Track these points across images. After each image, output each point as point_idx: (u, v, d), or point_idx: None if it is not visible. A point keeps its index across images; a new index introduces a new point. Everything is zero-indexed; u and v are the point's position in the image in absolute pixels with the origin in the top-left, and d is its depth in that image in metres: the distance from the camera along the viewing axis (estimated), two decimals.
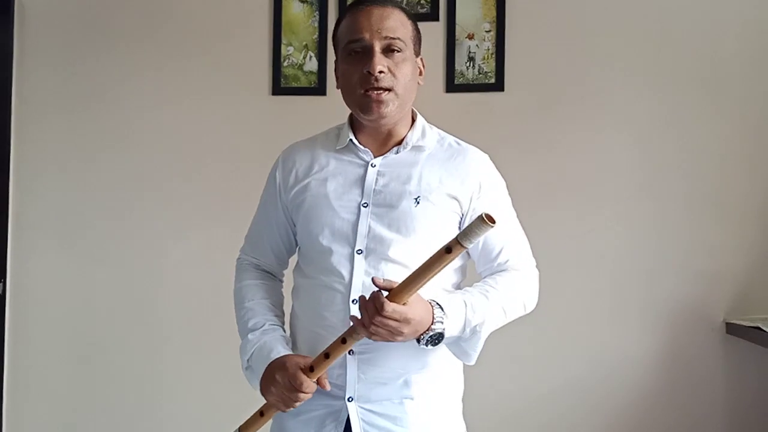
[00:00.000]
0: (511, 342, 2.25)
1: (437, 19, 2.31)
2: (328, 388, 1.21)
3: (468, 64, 2.31)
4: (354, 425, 1.22)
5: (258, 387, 1.27)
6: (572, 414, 2.22)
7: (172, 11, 2.45)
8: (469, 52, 2.31)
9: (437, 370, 1.27)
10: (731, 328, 2.13)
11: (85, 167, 2.46)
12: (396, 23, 1.26)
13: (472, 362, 1.25)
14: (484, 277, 1.33)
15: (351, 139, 1.31)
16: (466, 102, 2.30)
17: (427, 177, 1.27)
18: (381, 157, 1.30)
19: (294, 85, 2.37)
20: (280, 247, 1.41)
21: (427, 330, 1.14)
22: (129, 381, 2.42)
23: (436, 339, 1.16)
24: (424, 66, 1.35)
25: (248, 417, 1.29)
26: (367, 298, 1.12)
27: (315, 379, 1.19)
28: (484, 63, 2.30)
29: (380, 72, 1.22)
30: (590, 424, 2.21)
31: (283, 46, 2.37)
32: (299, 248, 1.38)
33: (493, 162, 2.39)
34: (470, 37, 2.31)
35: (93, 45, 2.48)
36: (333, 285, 1.24)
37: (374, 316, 1.09)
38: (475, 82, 2.30)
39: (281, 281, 1.47)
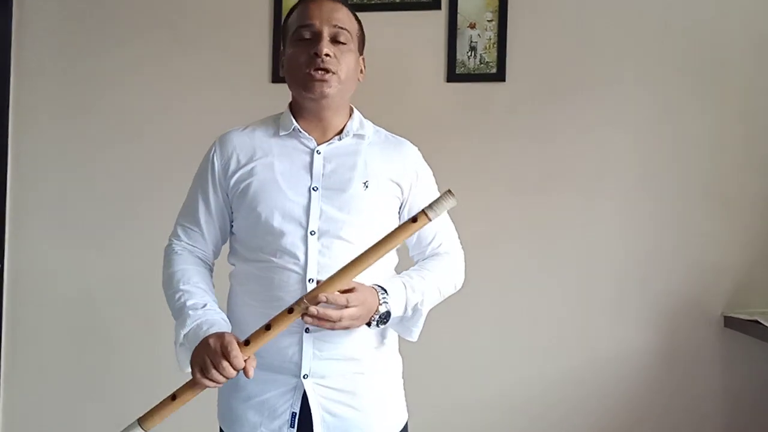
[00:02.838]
0: (509, 334, 2.26)
1: (439, 8, 2.30)
2: (251, 375, 1.18)
3: (469, 53, 2.29)
4: (312, 400, 1.28)
5: (187, 368, 1.26)
6: (569, 406, 2.22)
7: (173, 0, 2.44)
8: (471, 42, 2.29)
9: (382, 348, 1.37)
10: (729, 322, 2.13)
11: (84, 153, 2.46)
12: (344, 17, 1.34)
13: (415, 338, 1.37)
14: (418, 261, 1.44)
15: (296, 126, 1.36)
16: (467, 92, 2.29)
17: (371, 163, 1.36)
18: (325, 144, 1.36)
19: None
20: (218, 235, 1.41)
21: (375, 312, 1.24)
22: (125, 367, 2.43)
23: (384, 318, 1.27)
24: (365, 66, 1.42)
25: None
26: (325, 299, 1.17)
27: (246, 357, 1.16)
28: (485, 53, 2.28)
29: (326, 55, 1.29)
30: (587, 416, 2.22)
31: None
32: (238, 234, 1.38)
33: (493, 152, 2.39)
34: (472, 26, 2.29)
35: (92, 35, 2.47)
36: (287, 266, 1.28)
37: (338, 321, 1.18)
38: (476, 71, 2.29)
39: (212, 271, 1.44)
